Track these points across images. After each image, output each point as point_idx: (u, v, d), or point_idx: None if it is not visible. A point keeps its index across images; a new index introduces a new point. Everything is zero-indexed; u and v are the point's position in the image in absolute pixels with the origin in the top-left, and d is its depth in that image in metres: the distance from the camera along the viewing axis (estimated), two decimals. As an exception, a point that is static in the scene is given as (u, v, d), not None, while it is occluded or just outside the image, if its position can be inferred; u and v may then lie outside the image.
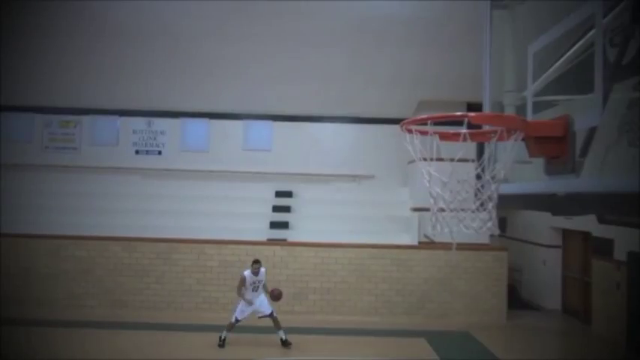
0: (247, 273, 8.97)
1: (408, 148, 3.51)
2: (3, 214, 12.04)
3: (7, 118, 14.10)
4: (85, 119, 14.20)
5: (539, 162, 3.67)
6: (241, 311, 8.98)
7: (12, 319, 10.10)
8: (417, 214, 12.08)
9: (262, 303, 9.03)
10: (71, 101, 13.80)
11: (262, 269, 9.05)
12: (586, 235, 11.48)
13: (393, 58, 11.02)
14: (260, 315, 9.03)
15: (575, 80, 3.61)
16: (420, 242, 11.95)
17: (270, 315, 9.01)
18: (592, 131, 3.15)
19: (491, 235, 11.89)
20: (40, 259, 11.43)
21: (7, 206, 12.36)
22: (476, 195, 3.49)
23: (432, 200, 3.52)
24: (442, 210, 3.53)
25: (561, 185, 3.36)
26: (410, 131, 3.51)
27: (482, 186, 3.49)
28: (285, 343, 8.99)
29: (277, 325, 9.05)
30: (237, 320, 8.97)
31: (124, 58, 11.53)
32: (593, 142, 3.13)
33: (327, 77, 11.98)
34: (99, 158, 13.93)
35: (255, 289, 9.00)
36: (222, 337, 9.01)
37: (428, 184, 3.50)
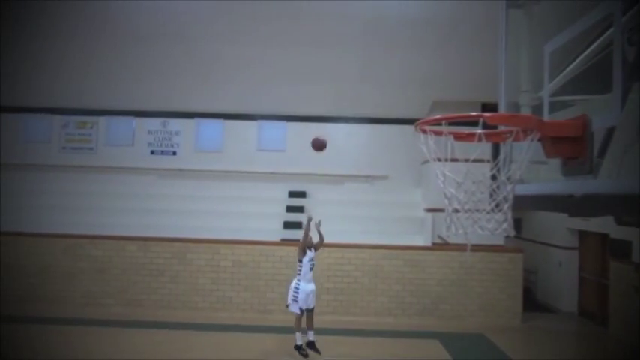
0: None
1: (422, 149, 3.50)
2: (21, 213, 12.27)
3: (26, 119, 14.35)
4: (102, 120, 14.38)
5: (555, 163, 3.63)
6: (303, 300, 8.25)
7: (29, 317, 10.28)
8: (430, 214, 12.03)
9: (313, 293, 8.41)
10: (88, 102, 13.99)
11: (313, 248, 8.43)
12: (603, 237, 11.32)
13: (406, 58, 10.98)
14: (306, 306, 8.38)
15: (592, 80, 3.56)
16: (433, 243, 11.90)
17: (310, 310, 8.44)
18: (610, 131, 3.11)
19: (507, 237, 11.78)
20: (56, 257, 11.60)
21: (25, 206, 12.60)
22: (491, 196, 3.47)
23: (446, 201, 3.51)
24: (457, 211, 3.52)
25: (578, 186, 3.32)
26: (424, 132, 3.50)
27: (498, 187, 3.46)
28: (312, 346, 8.53)
29: (310, 324, 8.52)
30: (302, 311, 8.28)
31: (140, 59, 11.66)
32: (612, 142, 3.09)
33: (341, 78, 11.98)
34: (115, 158, 14.10)
35: (311, 269, 8.39)
36: (300, 344, 8.33)
37: (442, 185, 3.49)
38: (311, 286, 8.48)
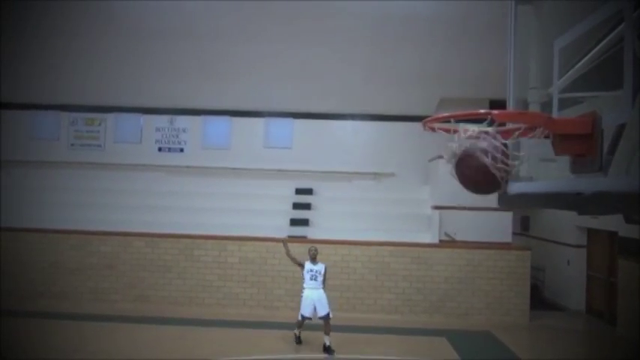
0: (307, 262, 8.87)
1: (446, 145, 3.45)
2: (30, 210, 12.36)
3: (35, 116, 14.45)
4: (110, 117, 14.45)
5: (565, 160, 3.60)
6: (305, 307, 8.69)
7: (37, 312, 10.37)
8: (437, 212, 11.99)
9: (321, 301, 8.69)
10: (96, 99, 14.06)
11: (322, 264, 8.90)
12: (612, 235, 11.24)
13: (414, 56, 10.94)
14: (318, 316, 8.69)
15: (603, 76, 3.53)
16: (440, 241, 11.86)
17: (325, 317, 8.66)
18: (620, 128, 3.07)
19: (515, 234, 11.74)
20: (65, 253, 11.69)
21: (34, 202, 12.69)
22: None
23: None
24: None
25: (588, 184, 3.29)
26: (432, 129, 3.48)
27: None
28: (327, 350, 8.59)
29: (326, 330, 8.67)
30: (303, 318, 8.75)
31: (148, 57, 11.71)
32: (622, 139, 3.05)
33: (348, 75, 11.96)
34: (123, 155, 14.17)
35: (313, 278, 8.74)
36: (297, 334, 8.93)
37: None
38: (315, 294, 8.73)
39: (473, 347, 9.48)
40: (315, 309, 8.68)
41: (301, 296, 8.88)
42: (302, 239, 11.85)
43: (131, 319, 10.38)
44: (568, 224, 12.59)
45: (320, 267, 8.87)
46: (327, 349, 8.60)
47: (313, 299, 8.67)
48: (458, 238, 11.73)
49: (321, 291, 8.78)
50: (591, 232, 12.26)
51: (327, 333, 8.67)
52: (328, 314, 8.68)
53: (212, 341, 9.15)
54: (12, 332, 8.96)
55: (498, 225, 11.46)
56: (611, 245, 11.43)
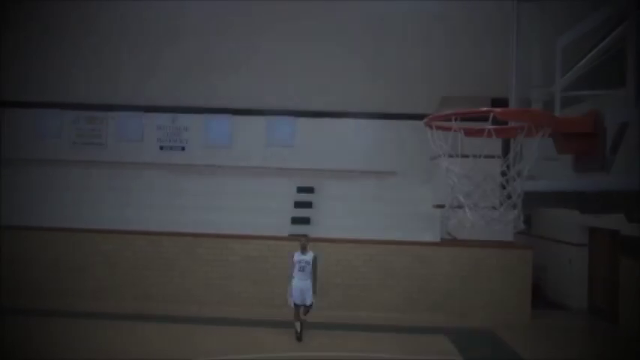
0: (297, 253, 9.36)
1: (439, 145, 3.47)
2: (32, 208, 12.37)
3: (37, 114, 14.45)
4: (111, 115, 14.45)
5: (567, 158, 3.60)
6: (295, 295, 9.16)
7: (38, 311, 10.38)
8: (439, 210, 11.98)
9: (307, 290, 9.19)
10: (98, 98, 14.06)
11: (312, 253, 9.33)
12: (614, 234, 11.22)
13: (416, 54, 10.94)
14: (304, 303, 9.18)
15: (605, 75, 3.52)
16: (442, 239, 11.85)
17: (308, 306, 9.21)
18: (623, 127, 3.07)
19: (516, 233, 11.73)
20: (67, 251, 11.69)
21: (36, 201, 12.70)
22: (504, 187, 3.45)
23: (461, 197, 3.49)
24: (460, 207, 3.51)
25: (590, 183, 3.29)
26: (430, 126, 3.49)
27: (507, 181, 3.45)
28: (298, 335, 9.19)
29: (304, 313, 9.28)
30: (296, 306, 9.18)
31: (149, 56, 11.71)
32: (625, 138, 3.05)
33: (350, 73, 11.95)
34: (124, 154, 14.17)
35: (301, 269, 9.20)
36: (298, 330, 9.17)
37: (455, 181, 3.46)
38: (303, 284, 9.21)
39: (474, 346, 9.47)
40: (302, 297, 9.15)
41: (289, 285, 9.30)
42: (303, 237, 11.84)
43: (133, 317, 10.40)
44: (570, 223, 12.57)
45: (309, 257, 9.32)
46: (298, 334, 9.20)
47: (301, 288, 9.17)
48: (459, 236, 11.72)
49: (308, 282, 9.23)
50: (593, 231, 12.24)
51: (304, 314, 9.28)
52: (312, 304, 9.28)
53: (213, 339, 9.16)
54: (13, 330, 8.98)
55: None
56: (613, 244, 11.42)
